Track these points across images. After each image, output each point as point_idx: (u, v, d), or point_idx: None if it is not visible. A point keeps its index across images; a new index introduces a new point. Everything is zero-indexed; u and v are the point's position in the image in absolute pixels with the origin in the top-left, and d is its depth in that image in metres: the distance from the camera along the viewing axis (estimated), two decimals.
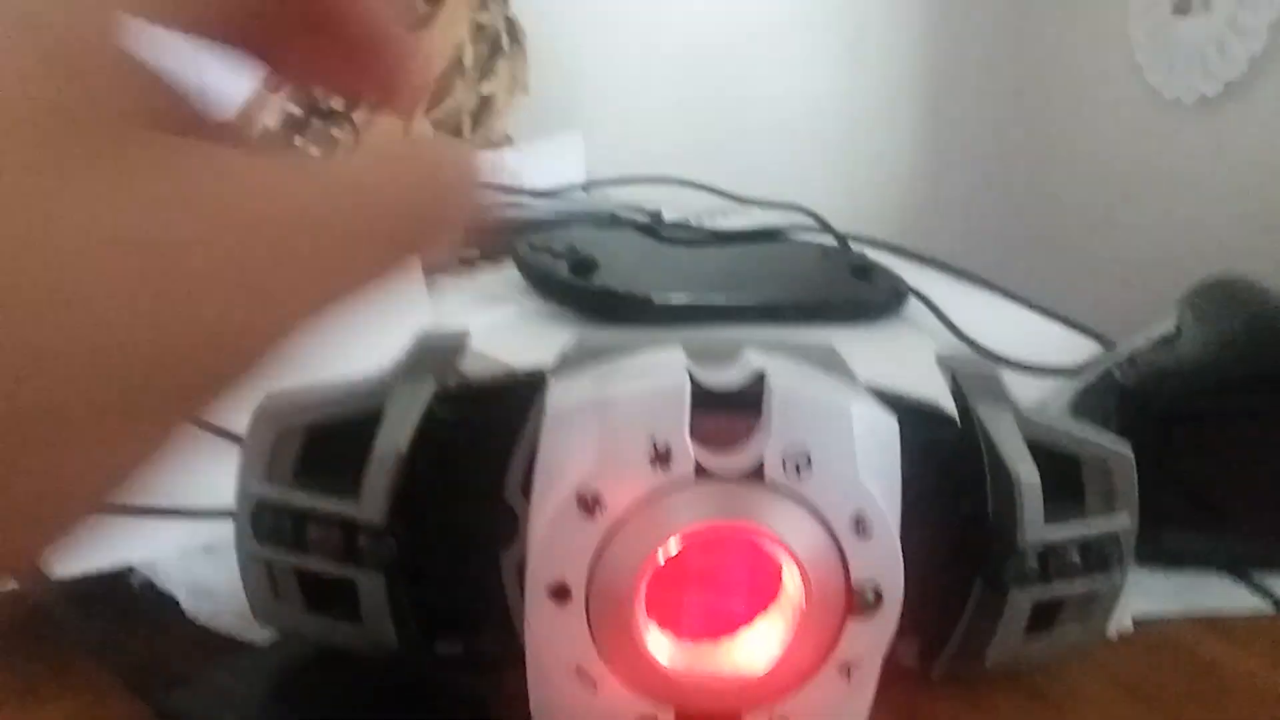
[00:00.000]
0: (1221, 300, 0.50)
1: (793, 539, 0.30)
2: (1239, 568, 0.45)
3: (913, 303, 0.66)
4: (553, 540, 0.30)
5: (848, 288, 0.63)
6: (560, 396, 0.31)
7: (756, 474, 0.30)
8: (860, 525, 0.31)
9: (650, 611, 0.31)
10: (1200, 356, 0.46)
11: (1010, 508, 0.34)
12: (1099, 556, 0.36)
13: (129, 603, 0.41)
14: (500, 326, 0.60)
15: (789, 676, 0.31)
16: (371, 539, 0.33)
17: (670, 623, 0.32)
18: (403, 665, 0.36)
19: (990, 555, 0.35)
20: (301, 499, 0.34)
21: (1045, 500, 0.35)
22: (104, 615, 0.40)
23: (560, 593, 0.30)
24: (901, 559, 0.31)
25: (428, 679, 0.36)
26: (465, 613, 0.36)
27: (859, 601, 0.31)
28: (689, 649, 0.32)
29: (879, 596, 0.31)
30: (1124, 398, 0.46)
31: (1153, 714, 0.37)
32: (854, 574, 0.31)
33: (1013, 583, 0.34)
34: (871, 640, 0.32)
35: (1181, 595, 0.45)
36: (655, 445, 0.29)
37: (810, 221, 0.77)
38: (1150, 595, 0.44)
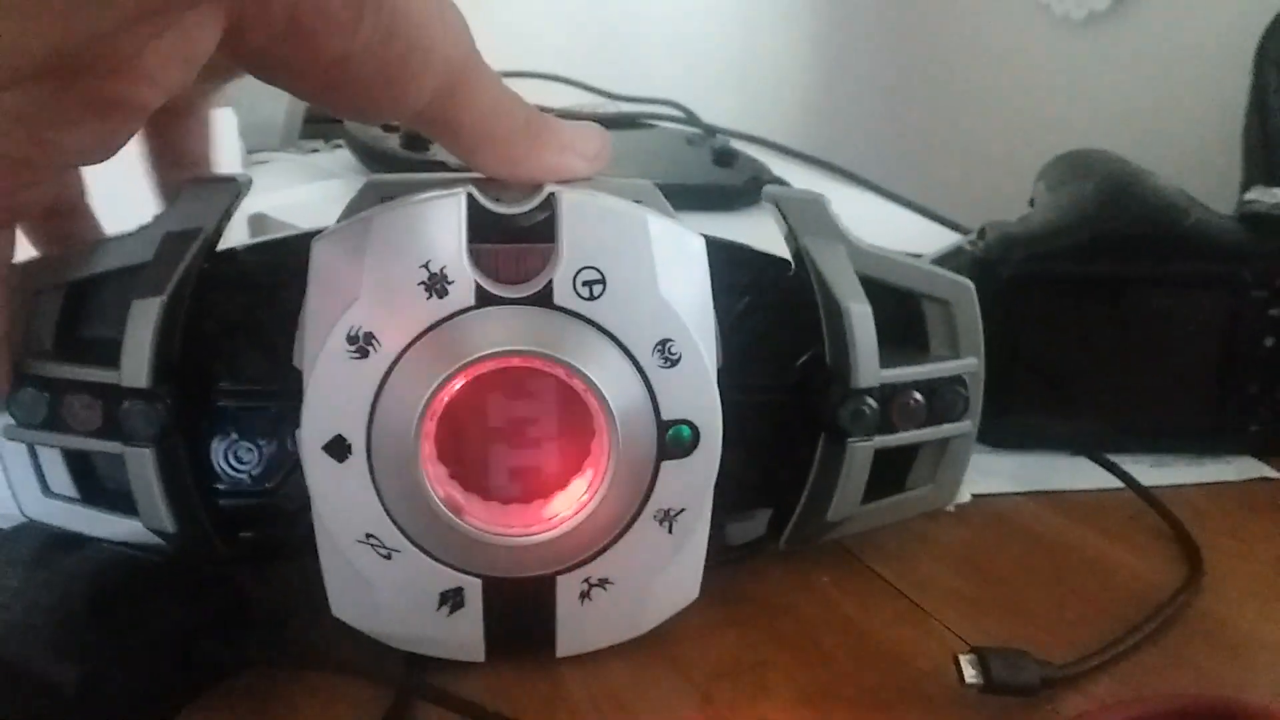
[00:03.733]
0: (1073, 169, 0.48)
1: (591, 368, 0.27)
2: (1085, 447, 0.44)
3: None
4: (325, 389, 0.27)
5: (708, 173, 0.60)
6: (329, 234, 0.28)
7: (546, 299, 0.27)
8: (667, 352, 0.28)
9: (453, 473, 0.29)
10: (1049, 222, 0.45)
11: (844, 347, 0.32)
12: (944, 401, 0.34)
13: None
14: (318, 200, 0.55)
15: (601, 529, 0.29)
16: (135, 406, 0.29)
17: (475, 484, 0.29)
18: (194, 559, 0.32)
19: (827, 401, 0.33)
20: (61, 370, 0.31)
21: (890, 344, 0.33)
22: None
23: (338, 448, 0.27)
24: (717, 393, 0.29)
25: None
26: (260, 495, 0.33)
27: (672, 440, 0.29)
28: (496, 510, 0.29)
29: (694, 434, 0.29)
30: (974, 266, 0.45)
31: (987, 588, 0.36)
32: (663, 408, 0.28)
33: (850, 427, 0.32)
34: (691, 484, 0.29)
35: (1026, 475, 0.43)
36: (429, 271, 0.26)
37: (680, 115, 0.75)
38: (994, 475, 0.43)
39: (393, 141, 0.59)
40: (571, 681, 0.31)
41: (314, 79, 0.25)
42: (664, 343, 0.28)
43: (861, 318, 0.32)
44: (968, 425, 0.35)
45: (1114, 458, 0.44)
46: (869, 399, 0.32)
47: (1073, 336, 0.45)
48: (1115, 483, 0.42)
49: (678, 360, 0.28)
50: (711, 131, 0.72)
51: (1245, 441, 0.44)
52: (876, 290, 0.33)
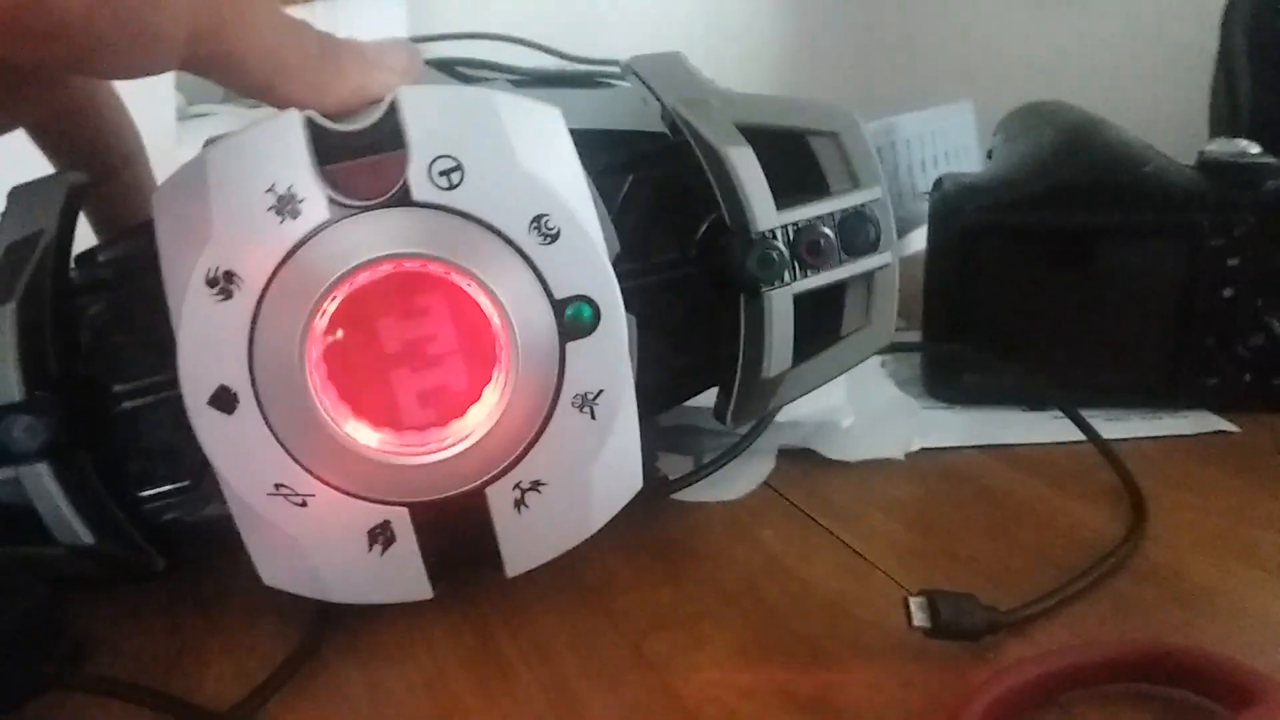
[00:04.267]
0: (1031, 121, 0.47)
1: (466, 259, 0.26)
2: (1041, 401, 0.43)
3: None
4: (196, 340, 0.25)
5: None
6: (166, 183, 0.26)
7: (405, 198, 0.26)
8: (544, 228, 0.27)
9: (356, 406, 0.27)
10: (1005, 173, 0.44)
11: (736, 196, 0.31)
12: (854, 235, 0.33)
13: None
14: None
15: (519, 427, 0.28)
16: (15, 421, 0.27)
17: (385, 418, 0.28)
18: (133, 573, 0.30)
19: (733, 255, 0.31)
20: None
21: (787, 189, 0.31)
22: None
23: (224, 399, 0.26)
24: (609, 264, 0.28)
25: None
26: (187, 492, 0.30)
27: (571, 319, 0.27)
28: (411, 438, 0.28)
29: (594, 309, 0.28)
30: (931, 218, 0.44)
31: (933, 540, 0.35)
32: (554, 286, 0.27)
33: (761, 275, 0.31)
34: (603, 363, 0.28)
35: (979, 429, 0.42)
36: (277, 194, 0.25)
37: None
38: (947, 429, 0.42)
39: None
40: (501, 635, 0.30)
41: (59, 46, 0.23)
42: (538, 219, 0.27)
43: (744, 159, 0.31)
44: (887, 256, 0.34)
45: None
46: (774, 243, 0.31)
47: (1029, 289, 0.44)
48: (1067, 437, 0.41)
49: (557, 235, 0.27)
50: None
51: (1202, 395, 0.44)
52: (760, 137, 0.31)
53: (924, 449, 0.41)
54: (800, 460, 0.40)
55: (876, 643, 0.29)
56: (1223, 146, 0.44)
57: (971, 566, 0.33)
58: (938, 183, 0.45)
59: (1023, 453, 0.41)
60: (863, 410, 0.42)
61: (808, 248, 0.32)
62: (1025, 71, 0.93)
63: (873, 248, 0.33)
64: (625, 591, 0.32)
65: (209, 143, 0.27)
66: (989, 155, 0.48)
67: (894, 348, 0.39)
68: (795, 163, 0.33)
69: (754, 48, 0.99)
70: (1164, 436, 0.42)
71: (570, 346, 0.27)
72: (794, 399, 0.34)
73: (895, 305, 0.35)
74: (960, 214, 0.43)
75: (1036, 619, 0.29)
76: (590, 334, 0.28)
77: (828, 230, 0.32)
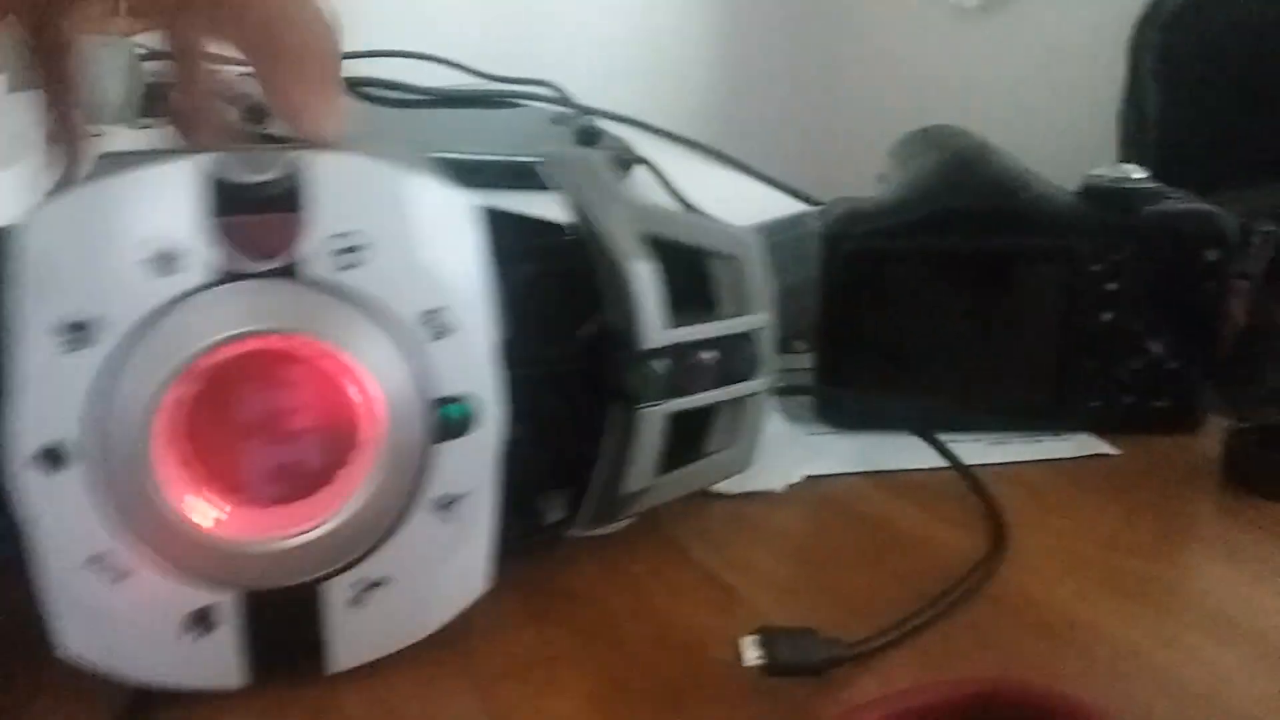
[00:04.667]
0: (922, 146, 0.47)
1: (348, 345, 0.25)
2: (921, 427, 0.43)
3: (647, 178, 0.62)
4: (32, 390, 0.24)
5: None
6: (33, 212, 0.25)
7: (295, 272, 0.25)
8: (435, 322, 0.26)
9: (202, 476, 0.26)
10: (891, 198, 0.44)
11: (628, 308, 0.30)
12: (734, 360, 0.33)
13: None
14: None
15: (370, 524, 0.27)
16: None
17: (229, 488, 0.27)
18: None
19: (614, 366, 0.31)
20: None
21: (681, 306, 0.31)
22: None
23: (51, 458, 0.24)
24: (495, 365, 0.27)
25: None
26: None
27: (445, 419, 0.27)
28: (255, 515, 0.27)
29: (470, 411, 0.27)
30: (820, 242, 0.44)
31: (807, 571, 0.35)
32: (433, 384, 0.27)
33: (639, 392, 0.31)
34: (470, 466, 0.27)
35: (864, 455, 0.42)
36: (155, 247, 0.24)
37: (555, 95, 0.73)
38: (832, 456, 0.42)
39: (231, 114, 0.56)
40: (345, 691, 0.29)
41: None
42: (432, 313, 0.26)
43: (643, 276, 0.30)
44: (760, 383, 0.34)
45: (957, 436, 0.43)
46: (657, 361, 0.31)
47: (914, 313, 0.44)
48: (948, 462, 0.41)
49: (447, 331, 0.26)
50: (583, 111, 0.70)
51: (1085, 418, 0.44)
52: (663, 250, 0.31)
53: (808, 477, 0.41)
54: None
55: (729, 681, 0.29)
56: (1107, 170, 0.45)
57: (841, 599, 0.33)
58: (828, 207, 0.45)
59: (906, 479, 0.41)
60: None
61: (689, 369, 0.32)
62: (942, 94, 0.94)
63: (750, 373, 0.34)
64: (482, 635, 0.31)
65: (102, 158, 0.26)
66: (880, 179, 0.48)
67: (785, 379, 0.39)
68: (687, 274, 0.33)
69: (687, 68, 1.00)
70: (1045, 460, 0.42)
71: (439, 446, 0.27)
72: (643, 510, 0.34)
73: (761, 430, 0.35)
74: (846, 239, 0.43)
75: (884, 650, 0.29)
76: (462, 435, 0.27)
77: (710, 353, 0.32)
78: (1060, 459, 0.42)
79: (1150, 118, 0.84)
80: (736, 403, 0.34)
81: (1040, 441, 0.43)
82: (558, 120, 0.65)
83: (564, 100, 0.72)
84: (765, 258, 0.34)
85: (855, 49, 0.93)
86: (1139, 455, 0.42)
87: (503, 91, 0.72)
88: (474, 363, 0.27)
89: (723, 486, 0.39)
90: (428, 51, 0.80)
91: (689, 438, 0.34)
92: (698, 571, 0.35)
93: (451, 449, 0.27)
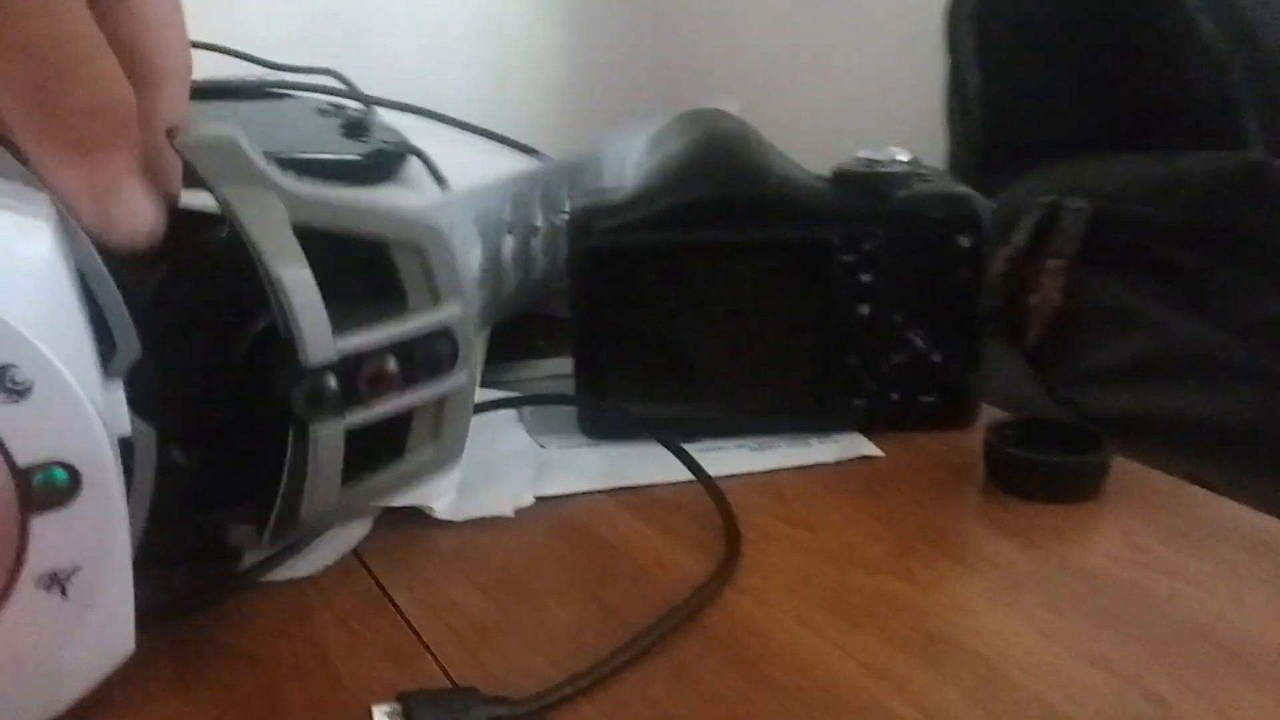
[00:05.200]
0: (676, 132, 0.44)
1: None
2: (666, 436, 0.40)
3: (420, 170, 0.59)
4: None
5: (326, 145, 0.54)
6: None
7: None
8: (8, 383, 0.22)
9: None
10: (634, 189, 0.41)
11: (286, 323, 0.27)
12: (428, 357, 0.30)
13: None
14: None
15: None
16: None
17: None
18: None
19: (280, 383, 0.27)
20: None
21: (364, 302, 0.28)
22: None
23: None
24: (98, 419, 0.23)
25: None
26: None
27: (41, 488, 0.23)
28: None
29: (73, 475, 0.23)
30: (566, 238, 0.40)
31: (514, 611, 0.31)
32: (18, 451, 0.22)
33: (309, 413, 0.27)
34: (81, 537, 0.23)
35: (606, 470, 0.39)
36: None
37: (340, 87, 0.68)
38: (573, 472, 0.39)
39: None
40: None
41: None
42: (2, 371, 0.22)
43: (298, 284, 0.27)
44: (462, 378, 0.31)
45: (722, 443, 0.41)
46: (327, 376, 0.27)
47: (667, 312, 0.41)
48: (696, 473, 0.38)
49: (27, 390, 0.22)
50: (369, 103, 0.66)
51: (851, 418, 0.41)
52: (333, 242, 0.28)
53: (542, 499, 0.37)
54: (405, 520, 0.36)
55: None
56: (869, 154, 0.43)
57: (546, 639, 0.30)
58: (573, 200, 0.42)
59: (653, 494, 0.38)
60: (481, 461, 0.38)
61: (369, 378, 0.29)
62: (792, 72, 0.92)
63: (448, 368, 0.30)
64: (122, 710, 0.27)
65: None
66: (635, 166, 0.45)
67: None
68: (372, 269, 0.30)
69: (534, 51, 0.96)
70: (805, 466, 0.40)
71: (37, 519, 0.23)
72: (345, 520, 0.31)
73: (468, 422, 0.32)
74: (588, 234, 0.40)
75: (561, 706, 0.26)
76: (67, 504, 0.23)
77: (393, 358, 0.29)
78: (822, 464, 0.40)
79: (971, 97, 0.83)
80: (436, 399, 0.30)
81: (808, 444, 0.41)
82: (326, 112, 0.60)
83: (345, 90, 0.68)
84: (459, 241, 0.30)
85: (705, 28, 0.91)
86: (903, 456, 0.40)
87: (283, 82, 0.68)
88: (69, 422, 0.23)
89: (447, 513, 0.36)
90: (216, 42, 0.75)
91: (385, 438, 0.30)
92: (391, 618, 0.31)
93: (55, 519, 0.23)
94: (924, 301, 0.40)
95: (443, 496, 0.36)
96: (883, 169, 0.41)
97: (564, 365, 0.42)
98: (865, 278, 0.40)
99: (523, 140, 0.69)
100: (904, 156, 0.42)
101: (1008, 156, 0.86)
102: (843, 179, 0.41)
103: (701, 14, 0.93)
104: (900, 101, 0.94)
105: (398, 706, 0.24)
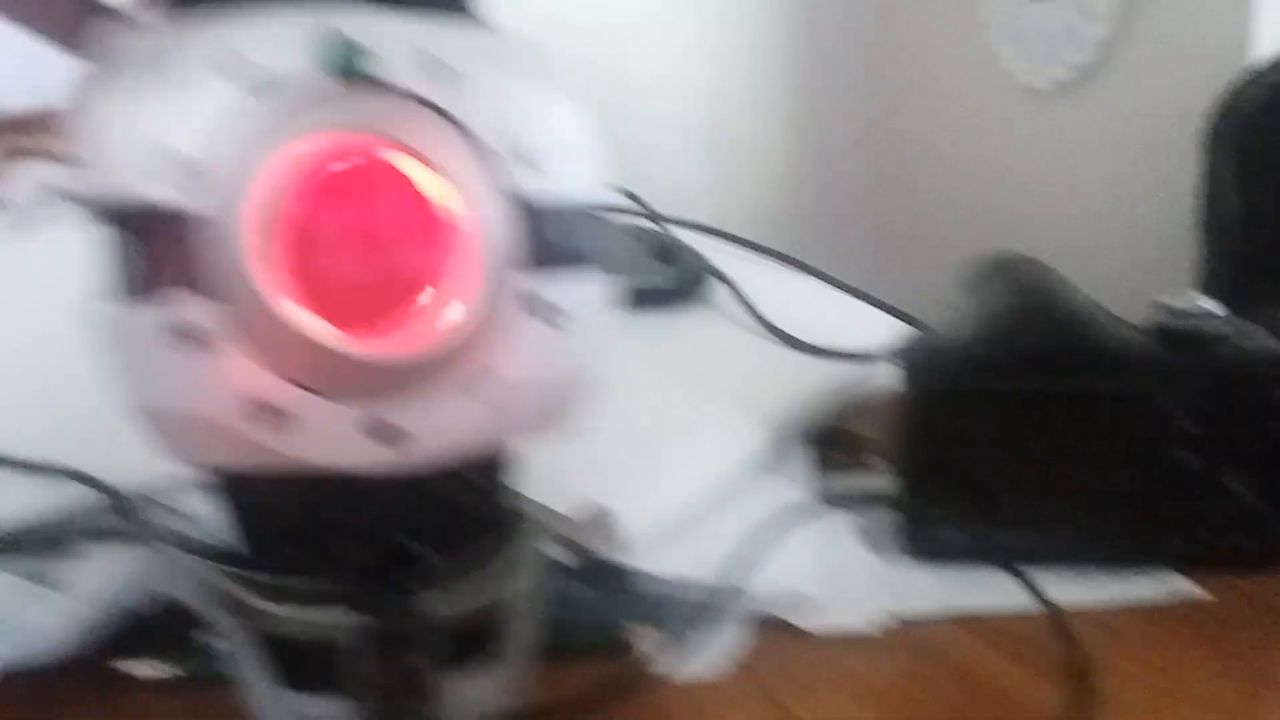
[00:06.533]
0: (991, 277, 0.49)
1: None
2: (1008, 562, 0.43)
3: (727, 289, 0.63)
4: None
5: (646, 271, 0.59)
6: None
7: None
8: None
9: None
10: (967, 336, 0.45)
11: None
12: None
13: None
14: None
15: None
16: None
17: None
18: None
19: None
20: None
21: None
22: None
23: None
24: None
25: None
26: None
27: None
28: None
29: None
30: (903, 378, 0.45)
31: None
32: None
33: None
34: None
35: (949, 592, 0.43)
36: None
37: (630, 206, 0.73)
38: (916, 594, 0.43)
39: None
40: None
41: None
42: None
43: None
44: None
45: (1038, 569, 0.44)
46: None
47: (996, 450, 0.45)
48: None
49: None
50: (657, 219, 0.70)
51: (1169, 556, 0.44)
52: None
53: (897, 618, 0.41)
54: (772, 630, 0.41)
55: None
56: (1173, 302, 0.45)
57: None
58: (903, 346, 0.47)
59: (993, 624, 0.41)
60: (830, 573, 0.43)
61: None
62: (1013, 181, 0.94)
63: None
64: None
65: None
66: (951, 309, 0.50)
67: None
68: None
69: (760, 171, 0.99)
70: (1131, 602, 0.42)
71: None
72: None
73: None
74: (928, 376, 0.44)
75: None
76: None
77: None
78: (1147, 602, 0.42)
79: (1230, 217, 0.84)
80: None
81: (1128, 581, 0.44)
82: (627, 232, 0.65)
83: (645, 209, 0.71)
84: None
85: (932, 149, 0.94)
86: (1231, 600, 0.42)
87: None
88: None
89: (812, 624, 0.40)
90: None
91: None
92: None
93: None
94: (1244, 450, 0.43)
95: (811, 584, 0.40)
96: (1200, 322, 0.44)
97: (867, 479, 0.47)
98: (1186, 426, 0.43)
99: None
100: (1209, 305, 0.45)
101: (1267, 275, 0.86)
102: (1161, 331, 0.44)
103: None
104: (1134, 209, 0.94)
105: None
